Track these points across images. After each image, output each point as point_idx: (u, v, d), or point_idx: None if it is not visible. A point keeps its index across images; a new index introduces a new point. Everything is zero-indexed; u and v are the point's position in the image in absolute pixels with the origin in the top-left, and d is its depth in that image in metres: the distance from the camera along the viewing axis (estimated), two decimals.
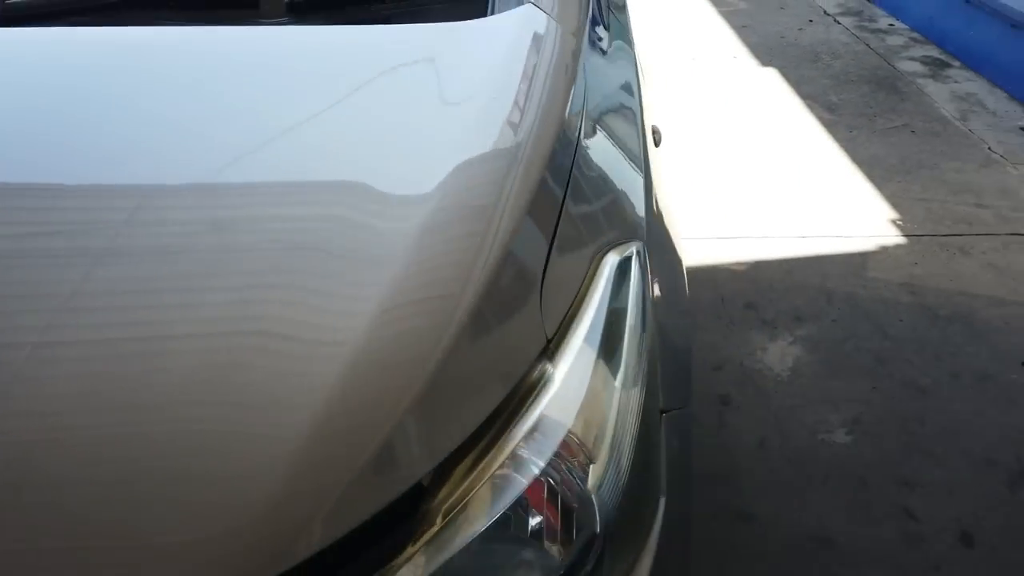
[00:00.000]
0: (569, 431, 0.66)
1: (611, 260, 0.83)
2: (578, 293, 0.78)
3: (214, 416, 0.58)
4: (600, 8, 1.20)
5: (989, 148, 3.09)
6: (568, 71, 0.98)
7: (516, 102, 0.91)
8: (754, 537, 1.57)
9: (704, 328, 2.16)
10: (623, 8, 1.46)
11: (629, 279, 0.83)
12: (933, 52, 4.10)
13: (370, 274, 0.68)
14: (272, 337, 0.63)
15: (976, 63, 3.86)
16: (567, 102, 0.92)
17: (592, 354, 0.72)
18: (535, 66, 0.97)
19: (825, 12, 4.81)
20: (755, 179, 2.90)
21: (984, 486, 1.68)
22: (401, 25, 1.07)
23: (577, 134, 0.91)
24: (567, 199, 0.82)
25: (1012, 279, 2.32)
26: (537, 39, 1.02)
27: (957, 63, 3.94)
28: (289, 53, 1.03)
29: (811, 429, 1.82)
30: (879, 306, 2.22)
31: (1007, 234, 2.54)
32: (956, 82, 3.73)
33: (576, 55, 1.01)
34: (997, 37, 3.70)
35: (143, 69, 0.99)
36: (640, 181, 1.01)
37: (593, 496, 0.66)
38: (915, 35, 4.35)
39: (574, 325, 0.74)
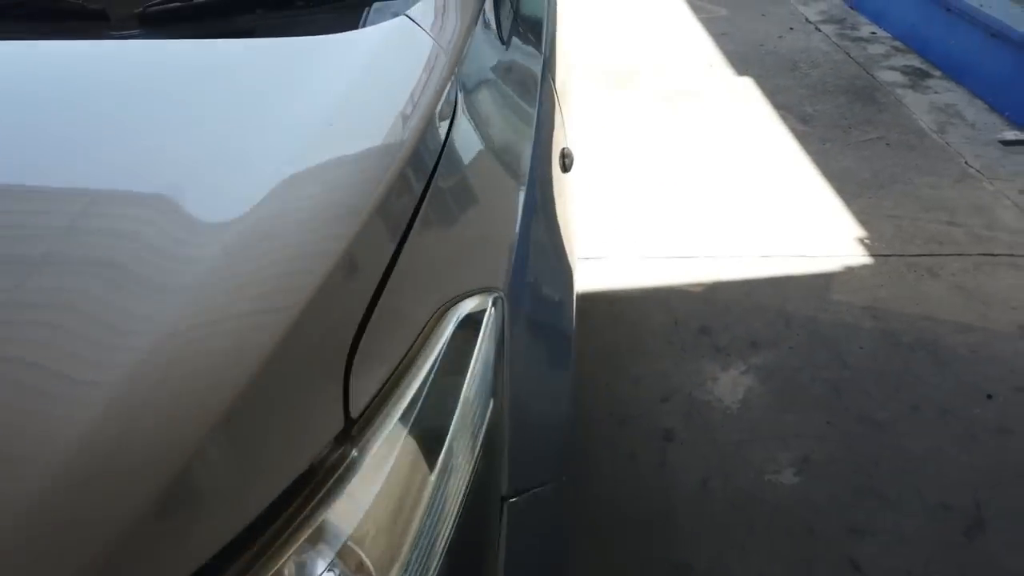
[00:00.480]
0: (350, 539, 0.55)
1: (455, 314, 0.71)
2: (404, 357, 0.66)
3: None
4: (498, 21, 1.09)
5: (965, 162, 2.98)
6: (434, 90, 0.86)
7: (363, 125, 0.79)
8: None
9: (655, 355, 2.04)
10: (538, 23, 1.34)
11: (477, 338, 0.71)
12: (914, 61, 3.99)
13: (148, 307, 0.57)
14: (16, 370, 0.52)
15: (957, 73, 3.75)
16: (426, 126, 0.80)
17: (403, 437, 0.61)
18: (396, 85, 0.85)
19: (807, 19, 4.70)
20: (720, 194, 2.79)
21: (939, 534, 1.56)
22: (263, 39, 0.96)
23: (434, 163, 0.79)
24: (408, 240, 0.71)
25: (981, 303, 2.21)
26: (405, 55, 0.91)
27: (938, 73, 3.83)
28: (135, 69, 0.92)
29: (758, 468, 1.71)
30: (839, 331, 2.11)
31: (978, 254, 2.43)
32: (936, 92, 3.62)
33: (449, 72, 0.89)
34: (977, 46, 3.59)
35: None
36: (518, 216, 0.90)
37: None
38: (897, 43, 4.24)
39: (391, 400, 0.62)
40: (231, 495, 0.53)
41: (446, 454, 0.63)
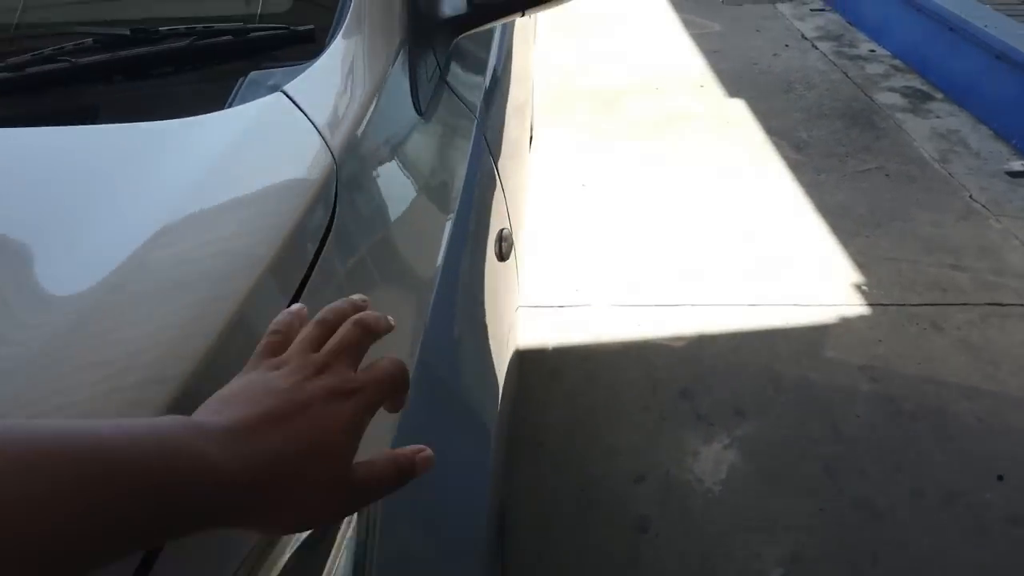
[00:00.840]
0: None
1: None
2: None
3: None
4: (414, 85, 0.90)
5: (970, 196, 2.79)
6: (304, 182, 0.67)
7: (207, 229, 0.61)
8: None
9: (631, 423, 1.85)
10: (475, 82, 1.14)
11: None
12: (915, 82, 3.80)
13: None
14: None
15: (960, 95, 3.56)
16: (292, 233, 0.62)
17: None
18: (254, 175, 0.67)
19: (803, 36, 4.52)
20: (707, 233, 2.60)
21: None
22: (106, 126, 0.77)
23: (303, 276, 0.61)
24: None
25: (989, 362, 2.02)
26: (274, 138, 0.72)
27: (940, 95, 3.64)
28: None
29: (740, 567, 1.51)
30: (834, 396, 1.92)
31: (985, 304, 2.24)
32: (938, 117, 3.43)
33: (329, 164, 0.71)
34: (982, 68, 3.40)
35: None
36: (423, 320, 0.71)
37: None
38: (897, 63, 4.05)
39: None
40: None
41: None
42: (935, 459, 1.74)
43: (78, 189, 0.66)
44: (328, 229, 0.66)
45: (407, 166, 0.84)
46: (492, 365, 0.91)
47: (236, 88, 0.78)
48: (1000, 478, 1.69)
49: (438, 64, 0.99)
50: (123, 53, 0.80)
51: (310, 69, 0.79)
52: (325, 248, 0.65)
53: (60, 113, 0.79)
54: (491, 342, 0.93)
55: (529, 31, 2.20)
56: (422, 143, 0.87)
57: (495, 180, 1.04)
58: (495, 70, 1.26)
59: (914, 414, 1.86)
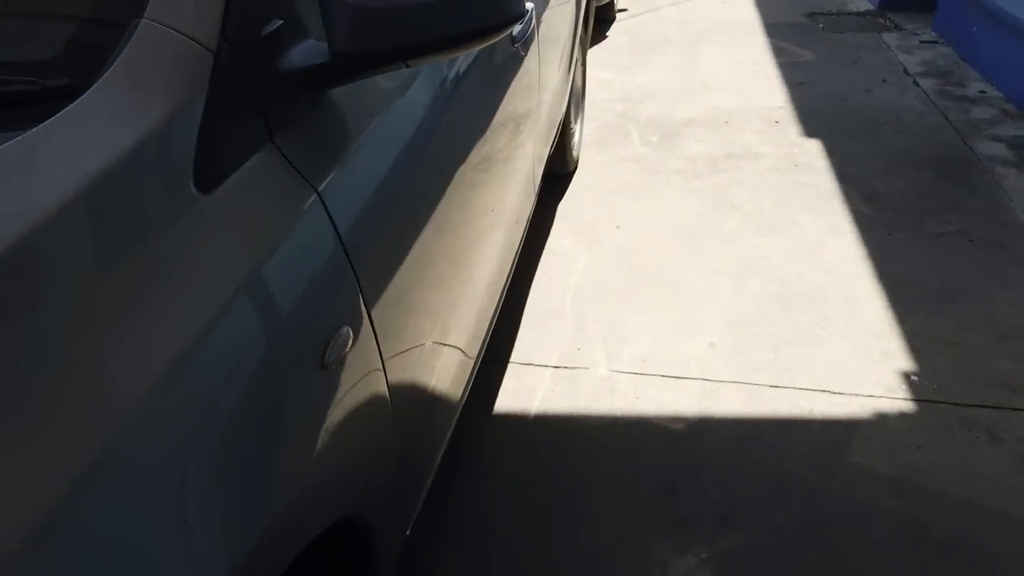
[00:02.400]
0: None
1: None
2: None
3: None
4: (203, 165, 0.72)
5: None
6: None
7: None
8: None
9: (597, 523, 1.62)
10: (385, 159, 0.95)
11: None
12: None
13: None
14: None
15: None
16: None
17: None
18: None
19: (905, 70, 4.09)
20: (738, 292, 2.31)
21: None
22: None
23: None
24: None
25: None
26: None
27: None
28: None
29: None
30: (847, 512, 1.62)
31: None
32: None
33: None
34: None
35: None
36: None
37: None
38: (1009, 107, 3.58)
39: None
40: None
41: None
42: None
43: None
44: None
45: (149, 254, 0.66)
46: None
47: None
48: None
49: (267, 128, 0.82)
50: None
51: (51, 124, 0.64)
52: None
53: None
54: None
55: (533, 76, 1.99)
56: (198, 227, 0.70)
57: (340, 274, 0.86)
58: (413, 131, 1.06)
59: (943, 547, 1.54)
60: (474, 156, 1.35)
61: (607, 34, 4.79)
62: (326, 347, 0.83)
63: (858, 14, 5.12)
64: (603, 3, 4.72)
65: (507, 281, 1.76)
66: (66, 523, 0.53)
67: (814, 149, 3.24)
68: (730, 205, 2.81)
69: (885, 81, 3.96)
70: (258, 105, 0.82)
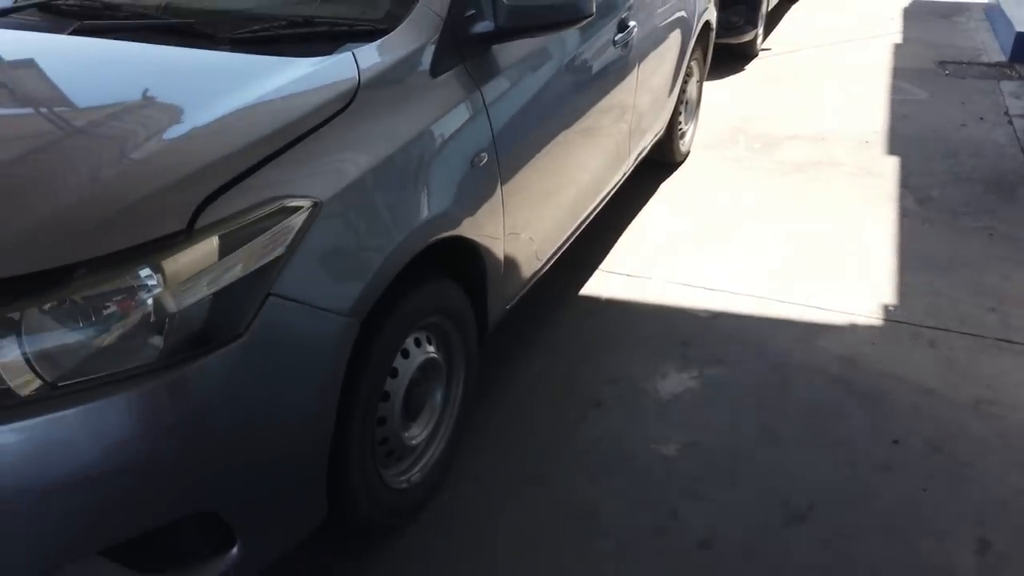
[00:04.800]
0: (171, 265, 1.24)
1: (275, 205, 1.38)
2: (231, 217, 1.35)
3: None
4: (434, 64, 1.74)
5: None
6: (341, 88, 1.54)
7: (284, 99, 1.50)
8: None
9: (630, 351, 2.49)
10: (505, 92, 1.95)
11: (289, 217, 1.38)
12: None
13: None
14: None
15: None
16: (322, 100, 1.49)
17: (213, 243, 1.29)
18: (318, 78, 1.56)
19: (1005, 112, 4.58)
20: (784, 251, 3.08)
21: None
22: (264, 55, 1.68)
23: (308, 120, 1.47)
24: (260, 168, 1.40)
25: (961, 376, 2.33)
26: (338, 67, 1.60)
27: None
28: (166, 70, 1.70)
29: (649, 440, 2.11)
30: (804, 368, 2.38)
31: (997, 339, 2.50)
32: None
33: (355, 81, 1.57)
34: None
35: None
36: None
37: None
38: None
39: (212, 230, 1.32)
40: (135, 222, 1.25)
41: (230, 258, 1.30)
42: (849, 421, 2.16)
43: (223, 76, 1.60)
44: (327, 122, 1.51)
45: (407, 96, 1.67)
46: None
47: (336, 48, 1.67)
48: (895, 442, 2.08)
49: (462, 58, 1.81)
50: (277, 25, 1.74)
51: (373, 43, 1.68)
52: (322, 129, 1.50)
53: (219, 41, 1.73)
54: None
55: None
56: (421, 90, 1.70)
57: (490, 147, 1.84)
58: (533, 77, 2.05)
59: (860, 394, 2.27)
60: (577, 106, 2.31)
61: (745, 68, 5.59)
62: (475, 156, 1.81)
63: (987, 64, 5.57)
64: (743, 41, 5.52)
65: (591, 209, 2.68)
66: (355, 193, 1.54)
67: (890, 163, 3.90)
68: (801, 195, 3.56)
69: (982, 119, 4.49)
70: (459, 47, 1.82)
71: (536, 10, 1.84)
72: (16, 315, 1.20)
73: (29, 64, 1.77)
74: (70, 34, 1.84)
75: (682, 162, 3.94)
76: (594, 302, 2.78)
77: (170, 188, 1.31)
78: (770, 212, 3.39)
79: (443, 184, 1.72)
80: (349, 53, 1.65)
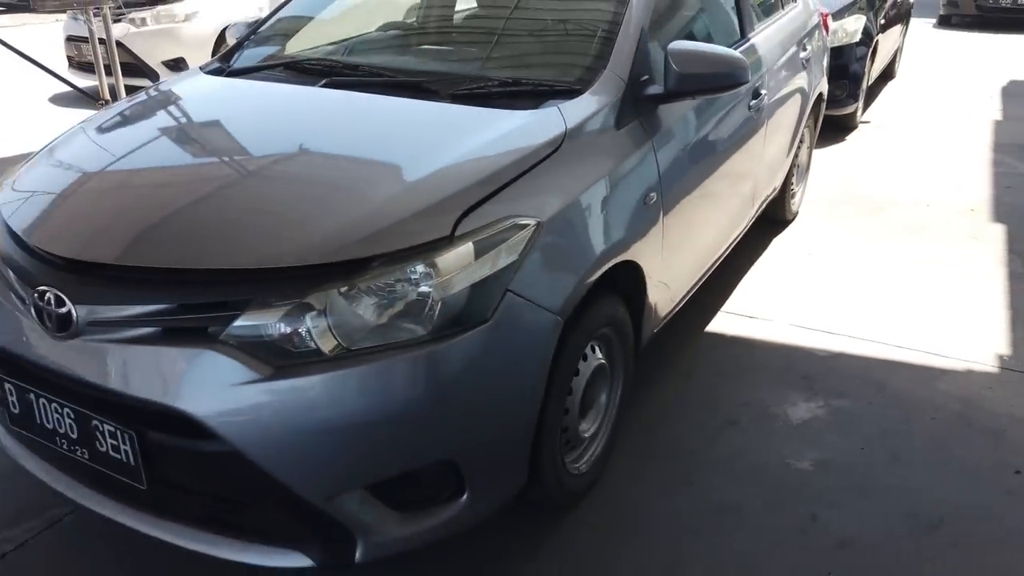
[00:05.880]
0: (439, 261, 1.60)
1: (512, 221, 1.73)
2: (488, 225, 1.70)
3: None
4: (617, 119, 2.10)
5: None
6: (549, 136, 1.91)
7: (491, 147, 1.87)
8: None
9: (759, 379, 2.73)
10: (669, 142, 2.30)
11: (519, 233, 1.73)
12: None
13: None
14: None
15: None
16: (535, 146, 1.86)
17: (470, 249, 1.65)
18: (530, 129, 1.93)
19: None
20: (894, 294, 3.29)
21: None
22: (480, 107, 2.07)
23: (521, 164, 1.84)
24: (505, 188, 1.76)
25: None
26: (545, 120, 1.97)
27: None
28: (406, 116, 2.10)
29: (784, 456, 2.35)
30: (923, 404, 2.58)
31: None
32: None
33: (562, 129, 1.94)
34: None
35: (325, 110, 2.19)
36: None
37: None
38: None
39: (469, 236, 1.67)
40: (412, 228, 1.62)
41: (483, 260, 1.65)
42: (975, 452, 2.35)
43: (449, 128, 1.99)
44: (544, 160, 1.87)
45: (599, 143, 2.03)
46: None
47: (541, 104, 2.05)
48: (1018, 472, 2.26)
49: (637, 113, 2.17)
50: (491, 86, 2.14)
51: (572, 100, 2.05)
52: (540, 165, 1.86)
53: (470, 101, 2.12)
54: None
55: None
56: (609, 139, 2.05)
57: (656, 187, 2.18)
58: (687, 131, 2.40)
59: (979, 429, 2.46)
60: (718, 158, 2.64)
61: (846, 138, 5.85)
62: (646, 195, 2.14)
63: None
64: (845, 113, 5.80)
65: (722, 251, 2.98)
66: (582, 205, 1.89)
67: (996, 230, 4.07)
68: (910, 253, 3.77)
69: None
70: (635, 105, 2.18)
71: (701, 77, 2.19)
72: (326, 293, 1.56)
73: (305, 106, 2.22)
74: (321, 87, 2.29)
75: (792, 220, 4.20)
76: (719, 338, 3.04)
77: (437, 205, 1.69)
78: (880, 267, 3.61)
79: (624, 216, 2.05)
80: (555, 108, 2.03)
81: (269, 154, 2.00)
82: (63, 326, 1.62)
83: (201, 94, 2.45)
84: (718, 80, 2.21)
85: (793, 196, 4.12)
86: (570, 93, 2.10)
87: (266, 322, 1.55)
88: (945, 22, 12.27)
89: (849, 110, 5.83)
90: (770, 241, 3.95)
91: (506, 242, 1.70)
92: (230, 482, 1.61)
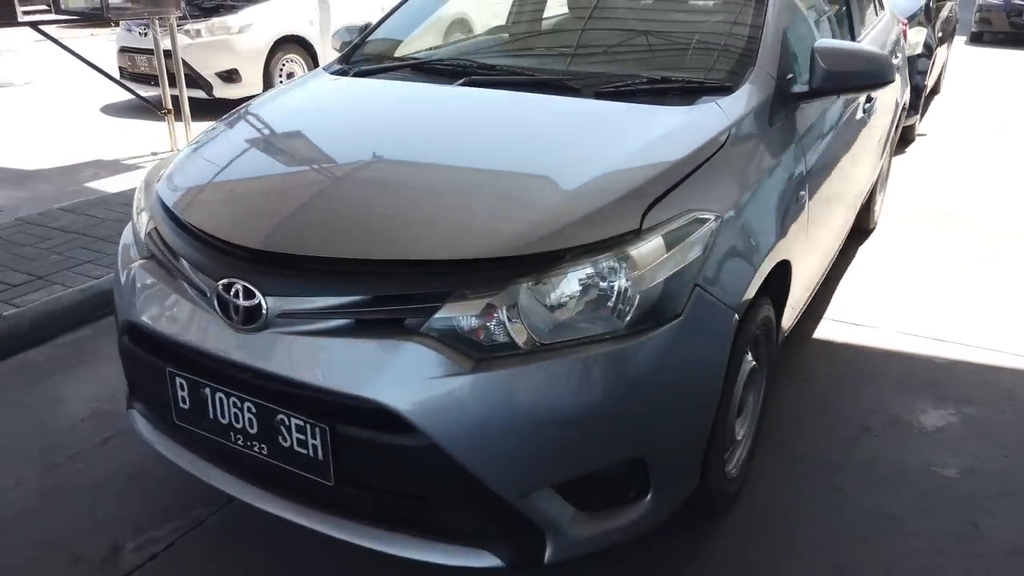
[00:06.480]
0: (633, 255, 1.57)
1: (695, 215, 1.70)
2: (672, 218, 1.67)
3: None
4: (770, 116, 2.07)
5: None
6: (715, 132, 1.88)
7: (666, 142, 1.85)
8: None
9: (877, 391, 2.69)
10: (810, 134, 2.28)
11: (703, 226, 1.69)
12: None
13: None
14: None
15: None
16: (702, 142, 1.83)
17: (659, 241, 1.62)
18: (693, 125, 1.91)
19: None
20: (999, 302, 3.25)
21: None
22: (631, 103, 2.05)
23: (689, 164, 1.81)
24: (679, 185, 1.73)
25: None
26: (705, 116, 1.95)
27: None
28: (560, 112, 2.08)
29: (927, 463, 2.30)
30: None
31: None
32: None
33: (726, 124, 1.91)
34: None
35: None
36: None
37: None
38: None
39: (657, 229, 1.64)
40: (600, 221, 1.59)
41: (673, 253, 1.62)
42: None
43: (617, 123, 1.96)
44: (714, 155, 1.85)
45: (759, 140, 2.00)
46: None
47: (698, 100, 2.03)
48: None
49: (785, 111, 2.14)
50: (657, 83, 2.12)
51: (728, 96, 2.02)
52: (711, 160, 1.83)
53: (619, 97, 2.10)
54: None
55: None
56: (766, 136, 2.03)
57: (803, 185, 2.15)
58: (817, 126, 2.37)
59: None
60: (841, 155, 2.62)
61: (907, 150, 5.81)
62: (798, 194, 2.11)
63: None
64: (907, 125, 5.76)
65: (836, 252, 2.95)
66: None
67: None
68: (998, 259, 3.72)
69: None
70: (783, 102, 2.16)
71: (848, 75, 2.16)
72: (521, 286, 1.53)
73: (457, 104, 2.20)
74: (460, 85, 2.27)
75: (873, 230, 4.16)
76: (829, 345, 3.00)
77: (622, 198, 1.66)
78: (973, 276, 3.57)
79: (783, 215, 2.02)
80: (714, 104, 2.00)
81: (439, 148, 1.97)
82: (251, 318, 1.59)
83: (341, 92, 2.44)
84: (865, 78, 2.19)
85: (876, 203, 4.08)
86: (720, 90, 2.08)
87: (464, 315, 1.53)
88: (977, 39, 12.26)
89: (911, 122, 5.80)
90: (856, 251, 3.91)
91: (691, 235, 1.67)
92: (422, 477, 1.57)
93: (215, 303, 1.64)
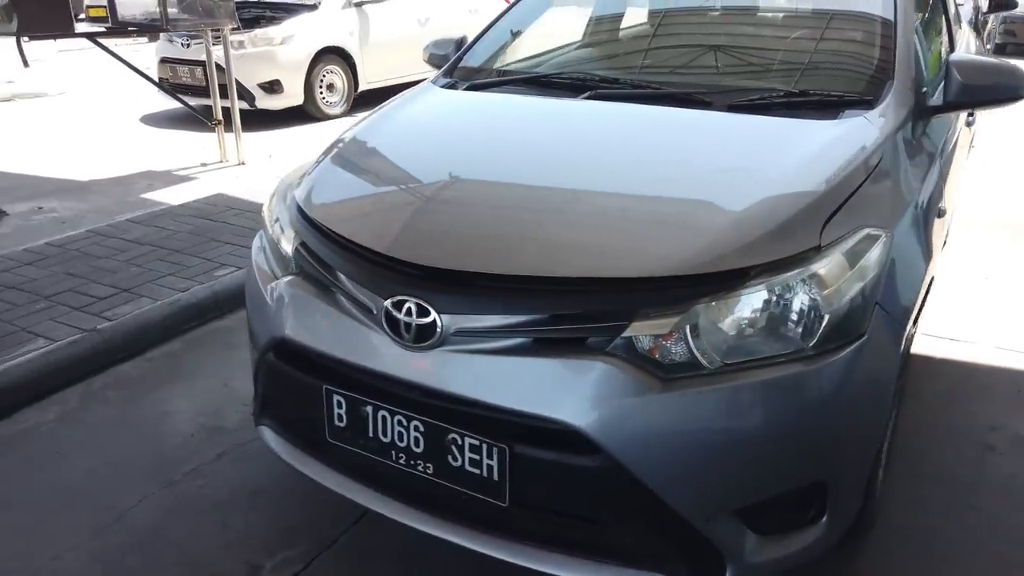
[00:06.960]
0: (820, 274, 1.53)
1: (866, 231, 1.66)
2: (846, 234, 1.63)
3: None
4: (912, 128, 2.04)
5: None
6: (867, 149, 1.85)
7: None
8: None
9: (991, 407, 2.64)
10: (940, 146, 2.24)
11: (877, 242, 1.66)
12: None
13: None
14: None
15: None
16: (857, 164, 1.79)
17: (839, 256, 1.58)
18: (844, 141, 1.87)
19: None
20: None
21: None
22: (768, 116, 2.02)
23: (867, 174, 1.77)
24: (849, 201, 1.69)
25: None
26: (859, 131, 1.91)
27: None
28: (697, 125, 2.05)
29: None
30: None
31: None
32: None
33: (878, 139, 1.88)
34: None
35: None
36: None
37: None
38: None
39: (836, 245, 1.61)
40: (779, 239, 1.56)
41: (856, 271, 1.58)
42: None
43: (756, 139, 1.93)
44: (874, 170, 1.81)
45: (907, 154, 1.97)
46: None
47: (842, 114, 2.00)
48: None
49: (923, 123, 2.11)
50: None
51: (873, 110, 1.99)
52: (872, 175, 1.80)
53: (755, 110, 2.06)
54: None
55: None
56: (912, 150, 2.00)
57: (942, 198, 2.11)
58: (944, 140, 2.34)
59: None
60: (954, 173, 2.58)
61: None
62: (939, 208, 2.08)
63: None
64: None
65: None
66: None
67: None
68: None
69: None
70: (920, 115, 2.13)
71: (985, 88, 2.13)
72: (706, 305, 1.50)
73: (594, 119, 2.17)
74: (585, 99, 2.24)
75: (946, 242, 4.12)
76: (930, 360, 2.96)
77: (798, 215, 1.63)
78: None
79: (931, 230, 1.98)
80: (862, 117, 1.97)
81: (590, 165, 1.93)
82: (424, 336, 1.56)
83: (469, 107, 2.41)
84: (1000, 92, 2.15)
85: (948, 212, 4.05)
86: (860, 104, 2.04)
87: (650, 334, 1.49)
88: (1000, 51, 12.22)
89: None
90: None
91: (868, 253, 1.63)
92: (601, 499, 1.53)
93: (383, 321, 1.60)
